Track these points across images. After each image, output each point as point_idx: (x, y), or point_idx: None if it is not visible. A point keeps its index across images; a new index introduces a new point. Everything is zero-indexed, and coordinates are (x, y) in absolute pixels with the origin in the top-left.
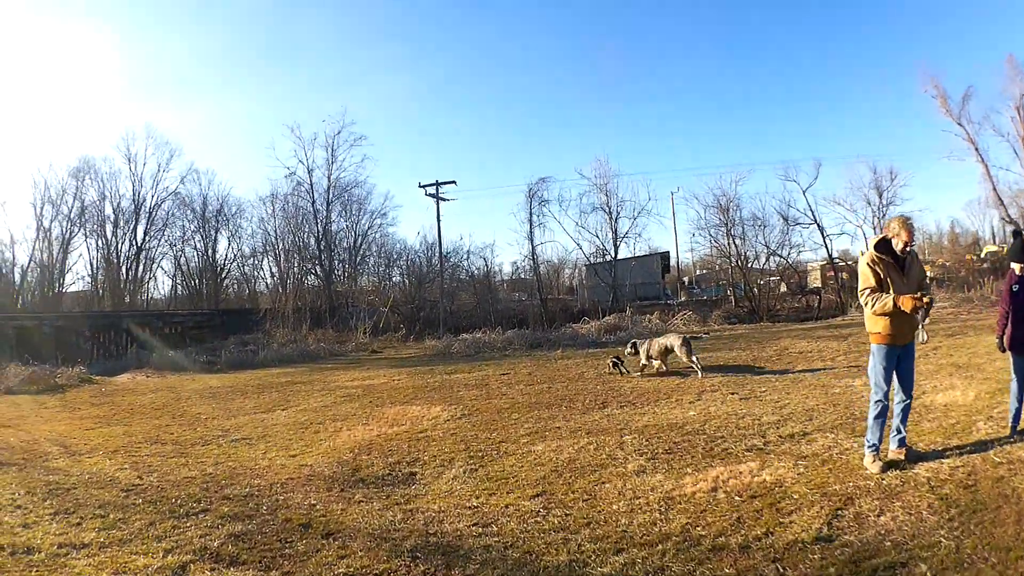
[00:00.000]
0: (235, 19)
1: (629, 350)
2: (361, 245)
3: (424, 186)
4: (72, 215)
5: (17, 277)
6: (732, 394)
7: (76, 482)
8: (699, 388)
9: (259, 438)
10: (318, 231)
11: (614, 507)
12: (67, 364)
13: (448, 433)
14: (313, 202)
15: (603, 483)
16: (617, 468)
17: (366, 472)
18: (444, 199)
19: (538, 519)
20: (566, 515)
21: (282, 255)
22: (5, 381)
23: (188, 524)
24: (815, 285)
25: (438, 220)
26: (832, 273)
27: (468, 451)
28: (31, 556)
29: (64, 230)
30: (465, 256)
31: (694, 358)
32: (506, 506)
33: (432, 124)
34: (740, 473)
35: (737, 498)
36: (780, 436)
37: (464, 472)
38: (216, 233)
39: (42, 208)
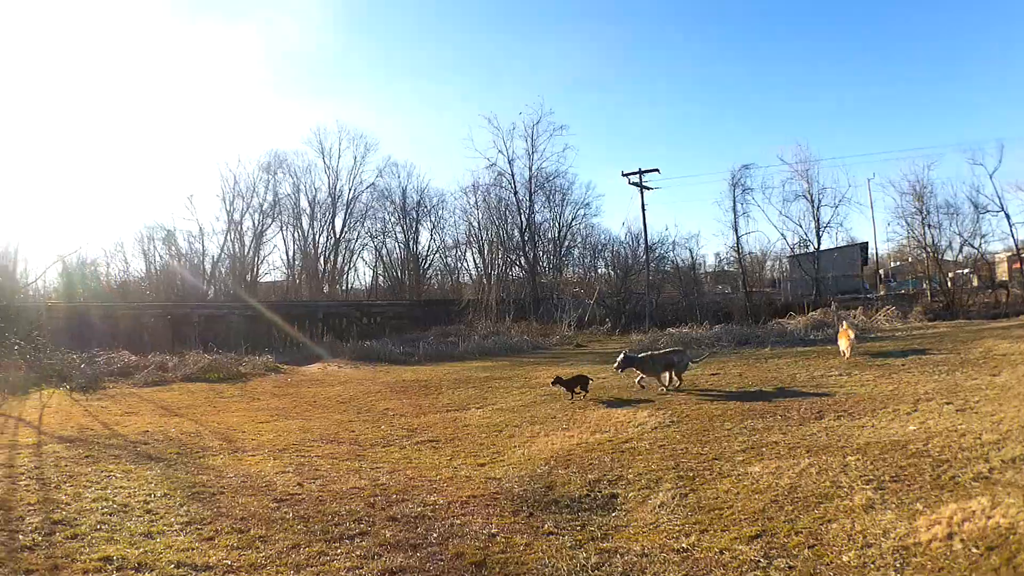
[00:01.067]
0: (423, 11)
1: (619, 367)
2: (565, 236)
3: (627, 174)
4: (265, 208)
5: (208, 267)
6: (947, 404)
7: (225, 486)
8: (914, 396)
9: (447, 440)
10: (521, 222)
11: (844, 559)
12: (255, 353)
13: (655, 444)
14: (515, 192)
15: (829, 521)
16: (843, 501)
17: (561, 491)
18: (647, 187)
19: (758, 573)
20: (790, 567)
21: (485, 246)
22: (184, 368)
23: (339, 551)
24: (1003, 278)
25: (642, 209)
26: (1019, 265)
27: (678, 469)
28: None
29: (256, 222)
30: (670, 247)
31: (675, 377)
32: (721, 551)
33: (631, 111)
34: (973, 513)
35: (974, 549)
36: (1003, 461)
37: (673, 498)
38: (417, 225)
39: (232, 201)
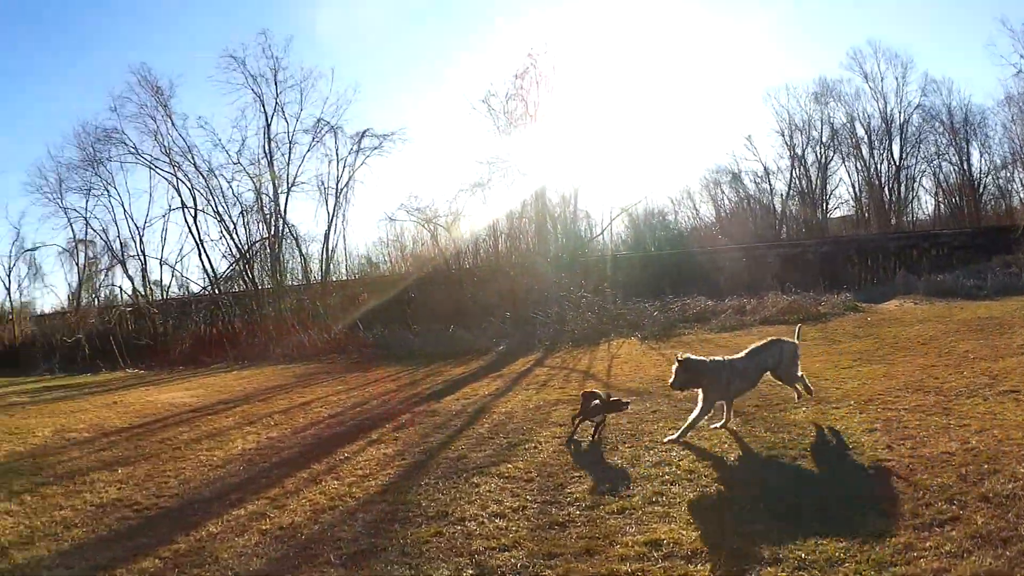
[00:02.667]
0: None
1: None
2: None
3: None
4: (824, 140)
5: (777, 206)
6: None
7: (807, 447)
8: None
9: None
10: None
11: None
12: (831, 291)
13: None
14: None
15: None
16: None
17: None
18: None
19: None
20: None
21: None
22: (762, 310)
23: (927, 544)
24: None
25: None
26: None
27: None
28: None
29: (819, 155)
30: None
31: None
32: None
33: None
34: None
35: None
36: None
37: None
38: (967, 145)
39: (791, 136)
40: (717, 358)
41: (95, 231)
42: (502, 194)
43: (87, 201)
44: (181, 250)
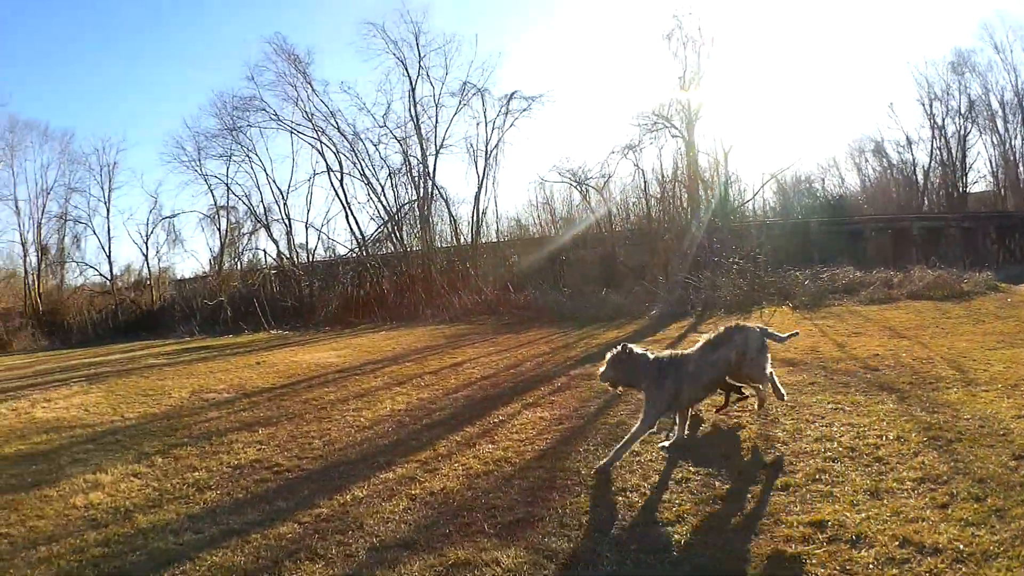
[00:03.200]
0: None
1: None
2: None
3: None
4: (962, 111)
5: (920, 177)
6: None
7: (962, 431)
8: None
9: None
10: None
11: None
12: (973, 268)
13: None
14: None
15: None
16: None
17: None
18: None
19: None
20: None
21: None
22: (909, 285)
23: None
24: None
25: None
26: None
27: None
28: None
29: (958, 127)
30: None
31: None
32: None
33: None
34: None
35: None
36: None
37: None
38: None
39: (931, 105)
40: (664, 355)
41: (237, 197)
42: (653, 156)
43: (227, 168)
44: (327, 213)
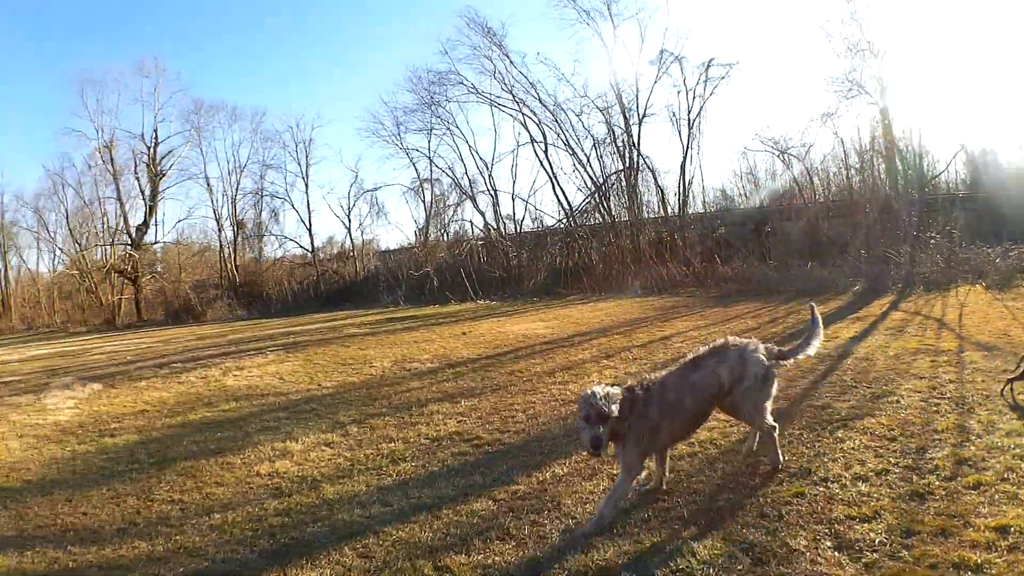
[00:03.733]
0: None
1: None
2: None
3: None
4: None
5: None
6: None
7: None
8: None
9: None
10: None
11: None
12: None
13: None
14: None
15: None
16: None
17: None
18: None
19: None
20: None
21: None
22: None
23: None
24: None
25: None
26: None
27: None
28: None
29: None
30: None
31: None
32: None
33: None
34: None
35: None
36: None
37: None
38: None
39: None
40: (632, 384)
41: (440, 169)
42: (850, 124)
43: (428, 141)
44: (533, 184)
